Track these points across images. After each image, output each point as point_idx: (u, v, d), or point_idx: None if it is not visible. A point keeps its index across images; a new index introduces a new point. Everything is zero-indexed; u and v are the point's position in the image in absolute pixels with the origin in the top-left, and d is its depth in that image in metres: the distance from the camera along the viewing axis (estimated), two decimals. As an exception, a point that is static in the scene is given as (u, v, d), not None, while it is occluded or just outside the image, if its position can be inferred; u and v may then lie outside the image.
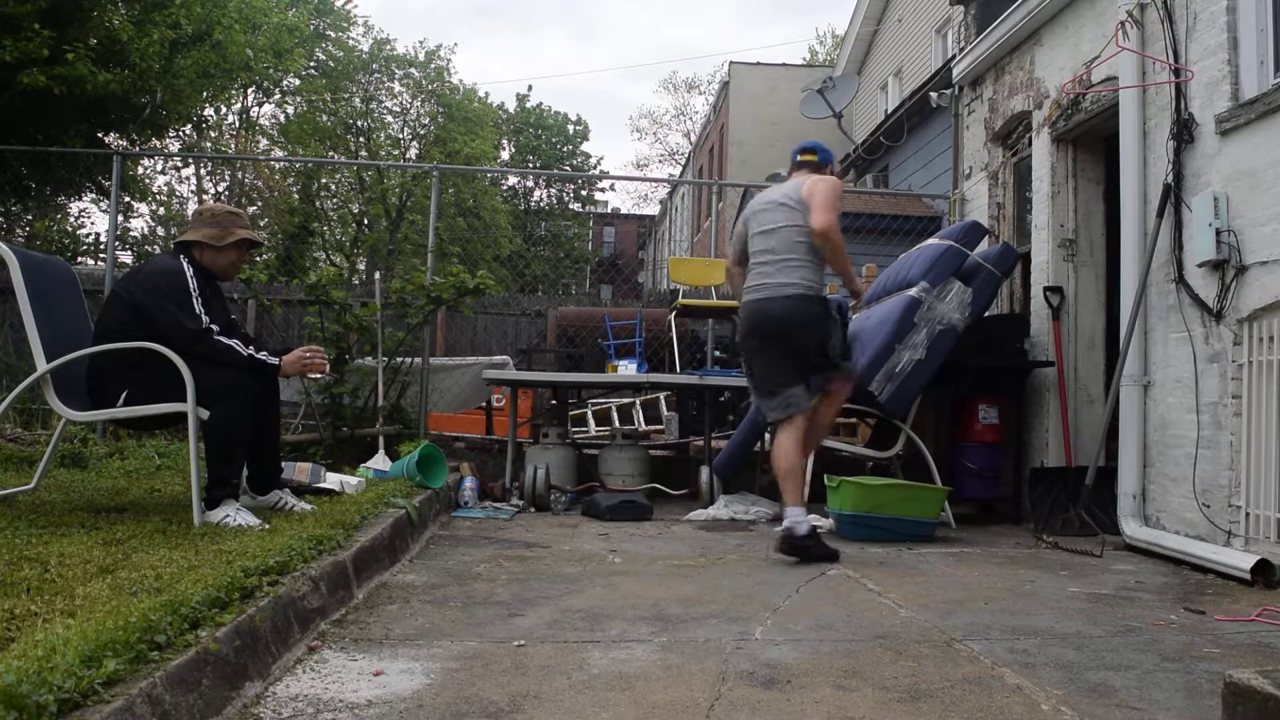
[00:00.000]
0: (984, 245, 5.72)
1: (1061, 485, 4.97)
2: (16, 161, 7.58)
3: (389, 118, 26.45)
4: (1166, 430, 4.37)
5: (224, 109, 19.98)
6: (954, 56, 7.17)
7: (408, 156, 26.09)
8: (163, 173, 19.72)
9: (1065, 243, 5.61)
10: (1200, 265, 4.12)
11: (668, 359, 7.23)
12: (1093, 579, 3.70)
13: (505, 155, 32.89)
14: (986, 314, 5.56)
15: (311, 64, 23.32)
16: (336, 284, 6.04)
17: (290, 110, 24.06)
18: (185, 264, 3.65)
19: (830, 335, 4.13)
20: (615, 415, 8.19)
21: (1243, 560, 3.61)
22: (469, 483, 5.34)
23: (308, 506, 3.80)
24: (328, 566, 2.80)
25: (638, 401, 8.15)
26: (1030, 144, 5.89)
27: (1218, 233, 3.98)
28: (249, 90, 21.72)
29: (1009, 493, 5.57)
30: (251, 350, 3.62)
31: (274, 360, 3.67)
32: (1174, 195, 4.34)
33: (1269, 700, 1.75)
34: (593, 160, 35.82)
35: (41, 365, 3.45)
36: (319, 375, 3.94)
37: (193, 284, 3.59)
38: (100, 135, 8.46)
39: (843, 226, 4.17)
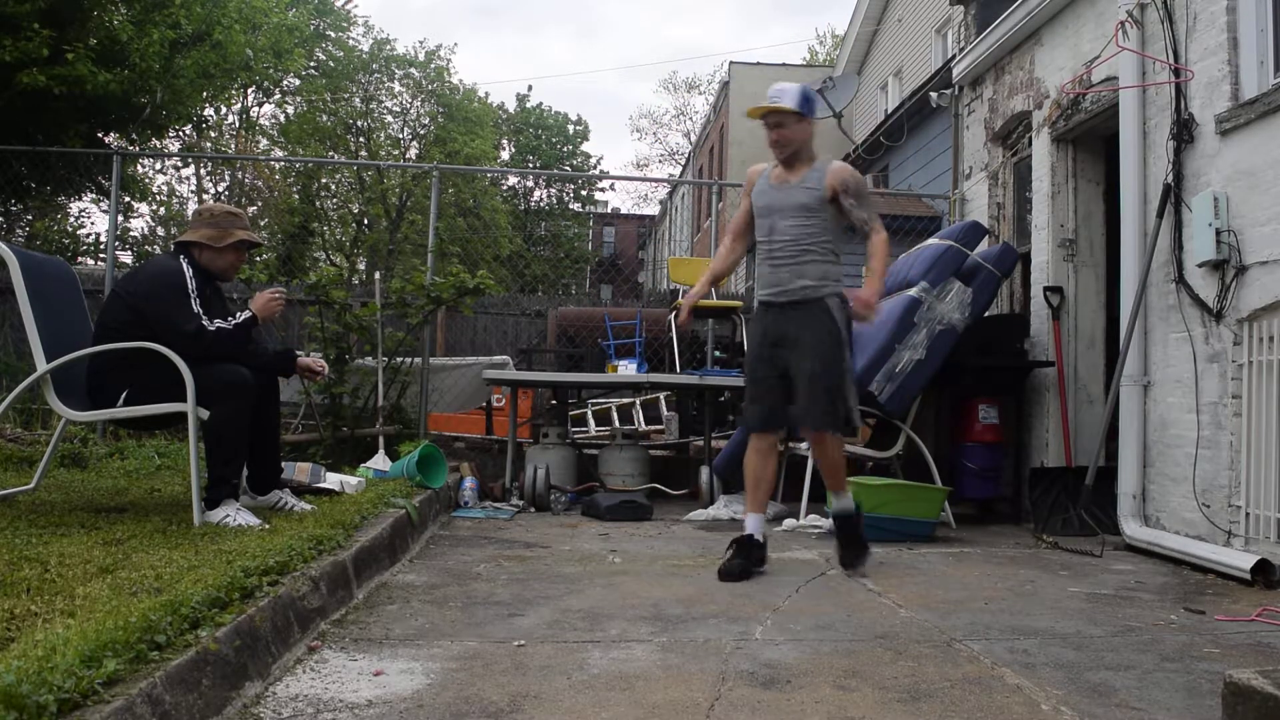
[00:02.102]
0: (984, 245, 5.73)
1: (1061, 485, 4.97)
2: (16, 161, 7.56)
3: (389, 118, 26.47)
4: (1166, 430, 4.37)
5: (224, 109, 20.00)
6: (954, 56, 7.17)
7: (408, 156, 26.08)
8: (163, 173, 19.75)
9: (1065, 243, 5.61)
10: (1200, 265, 4.12)
11: (668, 359, 7.22)
12: (1093, 579, 3.70)
13: (505, 155, 32.88)
14: (986, 314, 5.56)
15: (311, 64, 23.31)
16: (336, 284, 6.04)
17: (290, 110, 24.07)
18: (185, 265, 3.64)
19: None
20: (615, 415, 8.18)
21: (1243, 560, 3.61)
22: (469, 483, 5.34)
23: (308, 506, 3.80)
24: (328, 566, 2.80)
25: (638, 401, 8.14)
26: (1030, 144, 5.89)
27: (1218, 233, 3.98)
28: (249, 90, 21.72)
29: (1009, 493, 5.57)
30: (233, 318, 3.63)
31: (248, 312, 3.69)
32: (1174, 195, 4.34)
33: (1269, 700, 1.75)
34: (593, 160, 35.80)
35: (41, 365, 3.45)
36: (320, 371, 3.92)
37: (191, 285, 3.58)
38: (100, 135, 8.45)
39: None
